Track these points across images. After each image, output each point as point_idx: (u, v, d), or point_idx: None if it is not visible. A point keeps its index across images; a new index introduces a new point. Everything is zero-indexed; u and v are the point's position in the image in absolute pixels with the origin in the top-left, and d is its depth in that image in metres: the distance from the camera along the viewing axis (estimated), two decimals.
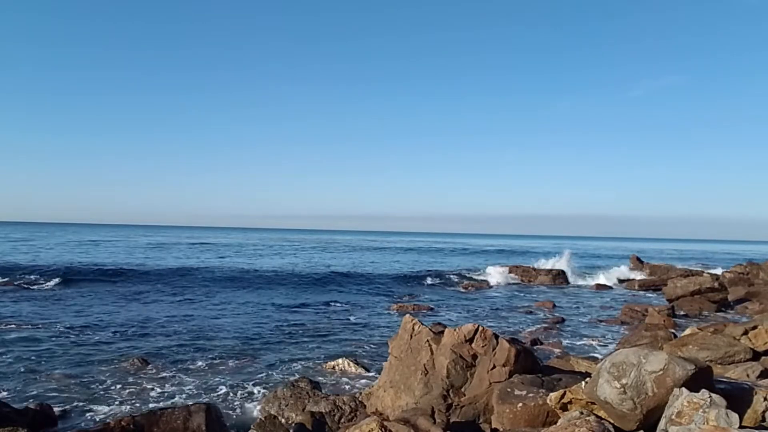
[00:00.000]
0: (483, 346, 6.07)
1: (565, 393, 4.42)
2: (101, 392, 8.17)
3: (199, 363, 10.00)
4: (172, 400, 7.86)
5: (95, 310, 15.67)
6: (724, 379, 4.71)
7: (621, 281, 28.72)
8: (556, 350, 10.79)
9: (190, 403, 7.06)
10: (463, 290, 23.75)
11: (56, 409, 6.85)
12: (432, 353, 6.30)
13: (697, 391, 3.50)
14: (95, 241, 58.07)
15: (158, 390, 8.33)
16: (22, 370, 9.29)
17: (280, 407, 7.15)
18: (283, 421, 6.46)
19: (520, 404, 4.82)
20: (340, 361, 9.60)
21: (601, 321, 15.62)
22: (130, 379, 8.82)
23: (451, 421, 5.33)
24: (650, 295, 23.23)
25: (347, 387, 8.50)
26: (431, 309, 17.62)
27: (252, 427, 6.27)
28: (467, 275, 29.40)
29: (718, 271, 26.07)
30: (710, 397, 3.41)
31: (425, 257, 48.20)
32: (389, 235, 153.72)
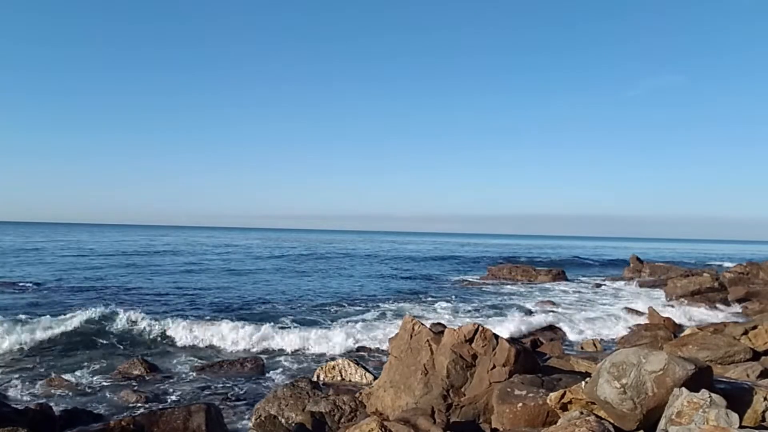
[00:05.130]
0: (483, 346, 6.07)
1: (565, 393, 4.42)
2: (101, 392, 8.17)
3: (199, 363, 10.00)
4: (172, 401, 7.86)
5: (95, 310, 15.65)
6: (724, 379, 4.71)
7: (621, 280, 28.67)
8: (556, 350, 10.78)
9: (190, 403, 7.06)
10: (463, 290, 23.74)
11: (56, 409, 6.83)
12: (432, 353, 6.29)
13: (697, 391, 3.50)
14: (93, 241, 58.07)
15: (158, 390, 8.33)
16: (22, 370, 9.30)
17: (280, 407, 7.15)
18: (283, 421, 6.46)
19: (520, 404, 4.82)
20: (339, 361, 9.59)
21: (600, 320, 15.60)
22: (131, 380, 8.82)
23: (451, 420, 5.33)
24: (651, 294, 23.19)
25: (347, 387, 8.49)
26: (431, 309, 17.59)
27: (252, 426, 6.27)
28: (467, 275, 29.38)
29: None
30: (710, 397, 3.41)
31: (425, 257, 48.18)
32: (389, 235, 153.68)
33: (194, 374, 9.22)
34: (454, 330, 6.33)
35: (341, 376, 9.11)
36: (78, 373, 9.22)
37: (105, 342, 11.63)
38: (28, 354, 10.33)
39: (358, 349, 11.44)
